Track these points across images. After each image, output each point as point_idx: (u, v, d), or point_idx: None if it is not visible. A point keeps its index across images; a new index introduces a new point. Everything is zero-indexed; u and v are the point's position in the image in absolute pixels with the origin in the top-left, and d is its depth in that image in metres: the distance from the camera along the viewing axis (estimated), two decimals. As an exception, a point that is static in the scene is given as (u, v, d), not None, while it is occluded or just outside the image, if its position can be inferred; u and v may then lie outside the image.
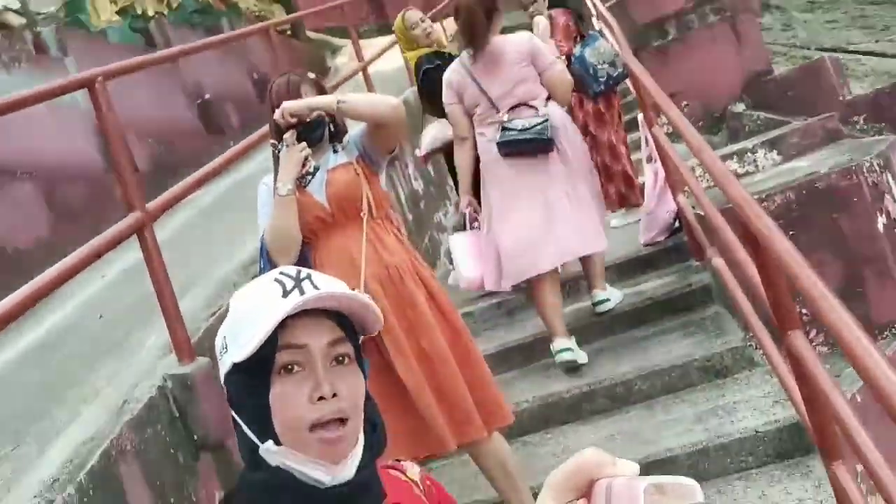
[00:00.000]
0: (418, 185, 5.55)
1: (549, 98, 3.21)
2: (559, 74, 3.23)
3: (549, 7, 4.69)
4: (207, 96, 8.22)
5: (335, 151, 2.35)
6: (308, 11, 9.81)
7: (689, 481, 0.45)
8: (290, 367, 0.80)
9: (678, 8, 8.04)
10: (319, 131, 2.31)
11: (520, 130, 3.07)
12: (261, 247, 2.36)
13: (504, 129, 3.10)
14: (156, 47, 8.18)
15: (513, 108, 3.14)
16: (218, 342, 0.85)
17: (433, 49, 4.04)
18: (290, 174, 2.24)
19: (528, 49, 3.19)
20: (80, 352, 2.80)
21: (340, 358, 0.82)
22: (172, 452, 2.12)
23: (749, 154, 4.42)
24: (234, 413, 0.84)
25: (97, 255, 2.19)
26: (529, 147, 3.08)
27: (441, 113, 3.52)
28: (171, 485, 2.06)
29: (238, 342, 0.81)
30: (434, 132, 3.92)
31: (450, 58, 3.60)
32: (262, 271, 2.29)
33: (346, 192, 2.29)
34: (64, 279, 2.04)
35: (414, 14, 4.14)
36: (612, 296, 3.38)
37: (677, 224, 3.85)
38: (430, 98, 3.79)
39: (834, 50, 7.57)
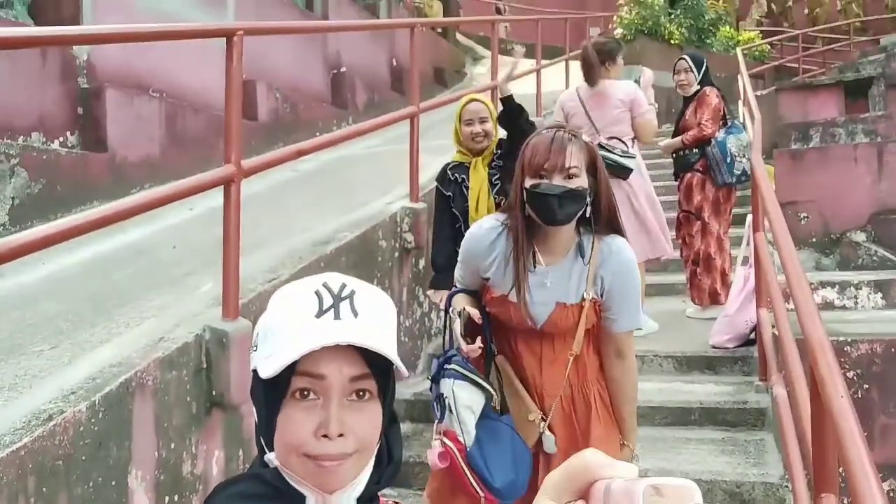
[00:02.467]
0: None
1: (634, 139, 4.17)
2: (647, 122, 4.18)
3: (701, 84, 4.59)
4: (343, 69, 8.46)
5: None
6: (457, 20, 9.94)
7: (688, 483, 0.45)
8: (305, 392, 0.78)
9: (829, 117, 7.72)
10: None
11: (612, 152, 3.94)
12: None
13: (601, 146, 3.76)
14: (312, 10, 8.50)
15: (609, 137, 4.05)
16: (254, 334, 0.84)
17: (471, 157, 3.22)
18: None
19: (630, 98, 4.13)
20: (143, 276, 2.92)
21: (361, 393, 0.79)
22: (188, 401, 2.17)
23: (852, 288, 4.19)
24: (254, 409, 0.84)
25: (181, 195, 2.28)
26: (615, 169, 3.77)
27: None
28: (176, 431, 2.12)
29: (265, 349, 0.79)
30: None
31: (462, 185, 3.19)
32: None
33: (563, 329, 1.97)
34: (143, 210, 2.13)
35: (476, 109, 3.16)
36: (645, 324, 3.30)
37: (752, 336, 3.68)
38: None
39: (982, 207, 7.06)
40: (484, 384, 1.96)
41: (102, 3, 4.98)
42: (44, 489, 1.69)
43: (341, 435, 0.77)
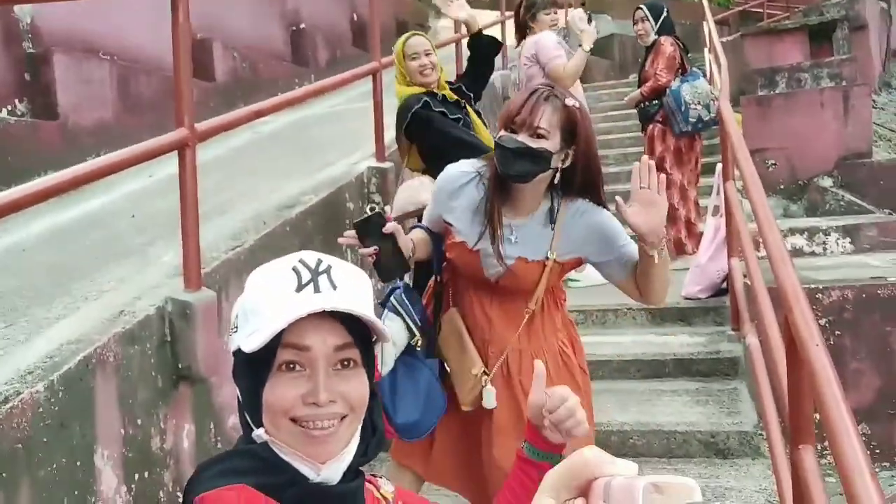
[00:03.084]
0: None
1: None
2: (554, 69, 3.96)
3: (659, 33, 4.51)
4: (302, 26, 8.22)
5: None
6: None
7: (688, 480, 0.45)
8: (291, 365, 0.79)
9: (795, 62, 7.71)
10: None
11: None
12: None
13: None
14: (267, -34, 8.19)
15: None
16: (232, 316, 0.85)
17: (427, 90, 3.10)
18: None
19: (532, 52, 4.06)
20: (101, 246, 2.81)
21: (346, 362, 0.80)
22: (153, 375, 2.10)
23: (821, 234, 4.23)
24: (237, 391, 0.84)
25: (132, 162, 2.17)
26: None
27: (424, 166, 3.02)
28: (142, 407, 2.05)
29: (246, 328, 0.81)
30: (408, 194, 3.01)
31: (444, 100, 3.02)
32: None
33: (522, 285, 1.98)
34: (92, 178, 2.02)
35: (418, 42, 3.16)
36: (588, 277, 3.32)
37: (724, 285, 3.69)
38: (416, 146, 3.08)
39: (944, 148, 7.16)
40: (409, 324, 1.96)
41: (43, -39, 4.72)
42: (3, 474, 1.62)
43: (332, 402, 0.78)
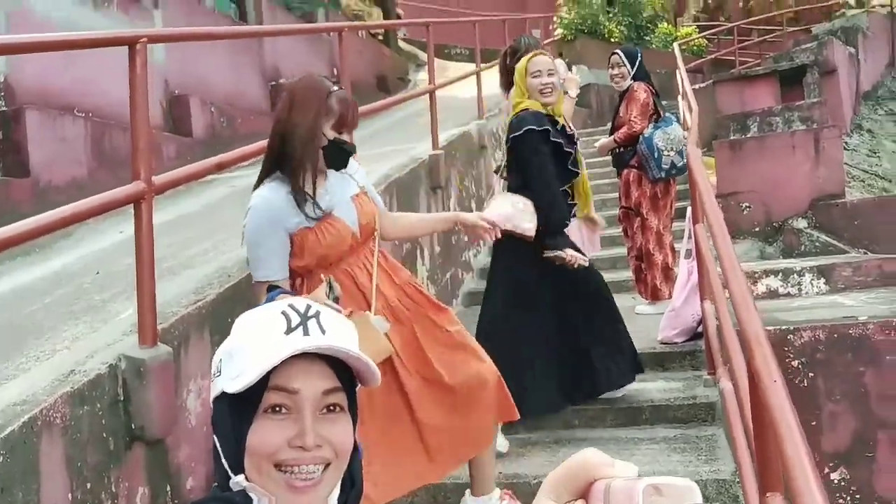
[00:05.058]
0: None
1: None
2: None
3: (634, 79, 4.57)
4: (282, 80, 8.31)
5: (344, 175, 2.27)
6: (389, 23, 9.85)
7: (688, 482, 0.45)
8: (277, 408, 0.78)
9: (766, 107, 7.85)
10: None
11: None
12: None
13: None
14: (245, 21, 8.33)
15: None
16: (215, 361, 0.84)
17: (545, 111, 3.11)
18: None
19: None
20: (61, 304, 2.75)
21: (332, 407, 0.80)
22: (104, 437, 2.03)
23: (795, 275, 4.21)
24: (214, 436, 0.82)
25: (88, 215, 2.14)
26: None
27: (521, 188, 3.00)
28: (92, 470, 1.97)
29: (231, 371, 0.80)
30: (509, 212, 2.83)
31: (562, 131, 3.05)
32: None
33: (370, 220, 2.28)
34: (51, 229, 1.99)
35: (542, 60, 3.15)
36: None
37: (699, 329, 3.66)
38: (517, 166, 3.08)
39: (916, 189, 7.26)
40: None
41: (17, 19, 4.77)
42: (-65, 547, 1.54)
43: (318, 446, 0.78)
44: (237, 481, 0.79)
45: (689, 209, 3.87)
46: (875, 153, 8.28)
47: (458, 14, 12.94)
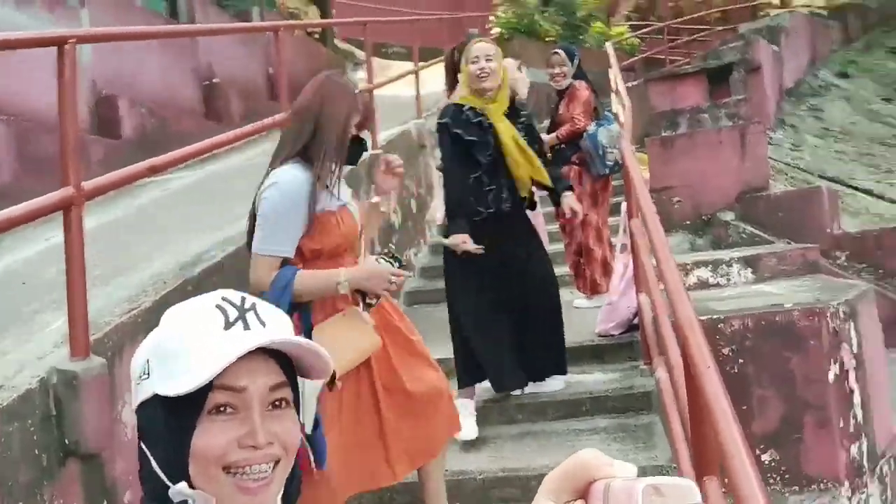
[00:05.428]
0: (395, 220, 5.46)
1: None
2: None
3: (574, 77, 4.65)
4: (216, 80, 8.14)
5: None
6: (327, 22, 9.76)
7: (687, 482, 0.45)
8: (222, 408, 0.74)
9: (695, 104, 8.09)
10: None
11: None
12: (284, 282, 2.10)
13: None
14: (177, 20, 8.12)
15: None
16: (137, 363, 0.78)
17: (482, 98, 3.10)
18: (367, 284, 2.11)
19: None
20: (-14, 316, 2.64)
21: (278, 402, 0.77)
22: (36, 454, 1.96)
23: (724, 266, 4.36)
24: (143, 446, 0.76)
25: (15, 223, 2.06)
26: None
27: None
28: (24, 488, 1.90)
29: (168, 372, 0.74)
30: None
31: (467, 119, 3.07)
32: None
33: (361, 220, 2.32)
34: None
35: (482, 47, 3.12)
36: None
37: (636, 321, 3.76)
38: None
39: (835, 180, 7.62)
40: None
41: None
42: None
43: (269, 443, 0.75)
44: (179, 490, 0.73)
45: (623, 204, 3.97)
46: (797, 147, 8.64)
47: (395, 13, 12.92)
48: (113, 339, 2.29)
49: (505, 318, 3.03)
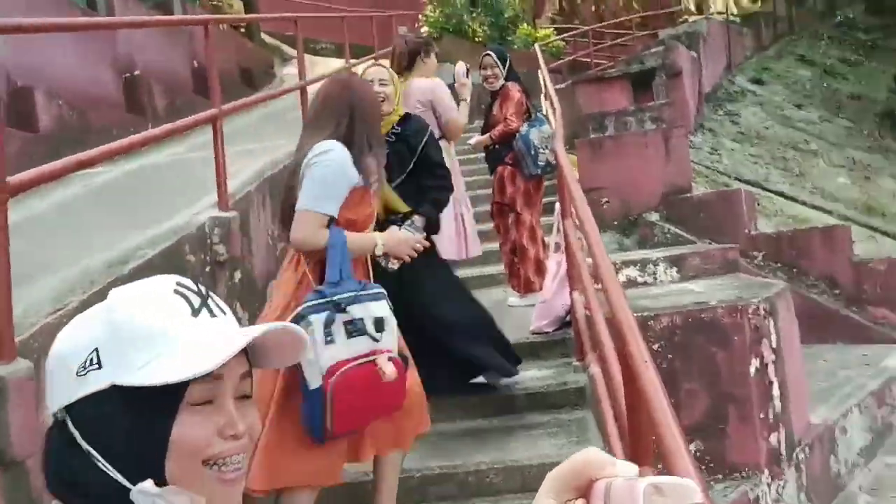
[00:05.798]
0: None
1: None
2: (450, 121, 3.97)
3: (506, 79, 4.71)
4: (137, 72, 7.86)
5: None
6: (259, 17, 9.59)
7: (689, 482, 0.45)
8: (202, 401, 0.71)
9: (621, 107, 8.34)
10: None
11: None
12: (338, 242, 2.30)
13: None
14: (95, 10, 7.80)
15: None
16: (72, 352, 0.70)
17: None
18: (396, 249, 2.42)
19: (427, 98, 3.93)
20: None
21: (245, 393, 0.75)
22: (-44, 461, 1.86)
23: (651, 265, 4.52)
24: (88, 447, 0.68)
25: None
26: None
27: None
28: (-57, 498, 1.80)
29: (130, 361, 0.68)
30: None
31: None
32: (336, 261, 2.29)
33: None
34: None
35: (376, 71, 3.16)
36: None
37: (568, 318, 3.85)
38: None
39: (751, 183, 7.99)
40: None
41: None
42: None
43: (244, 433, 0.73)
44: (144, 489, 0.67)
45: (557, 204, 4.06)
46: (716, 151, 9.01)
47: (323, 10, 12.77)
48: (39, 341, 2.19)
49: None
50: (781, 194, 8.15)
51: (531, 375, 3.54)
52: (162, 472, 0.69)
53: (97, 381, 0.69)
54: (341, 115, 2.38)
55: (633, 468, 0.48)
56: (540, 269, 4.54)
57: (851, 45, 13.35)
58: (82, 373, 0.69)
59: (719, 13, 13.20)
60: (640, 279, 4.42)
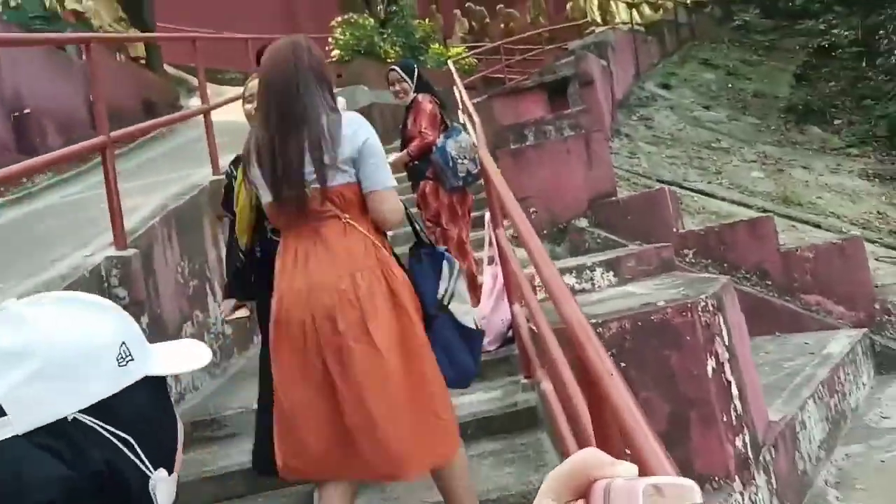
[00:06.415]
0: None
1: None
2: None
3: (416, 91, 4.51)
4: (27, 111, 7.32)
5: None
6: (154, 36, 9.15)
7: (688, 482, 0.45)
8: None
9: (538, 117, 8.29)
10: None
11: None
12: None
13: None
14: (-28, 45, 7.22)
15: None
16: (108, 346, 0.71)
17: None
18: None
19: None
20: None
21: None
22: None
23: (588, 271, 4.37)
24: (122, 434, 0.70)
25: None
26: None
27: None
28: None
29: (147, 352, 0.74)
30: None
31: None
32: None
33: None
34: None
35: (255, 85, 2.64)
36: None
37: (510, 334, 3.65)
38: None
39: (671, 183, 8.06)
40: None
41: None
42: None
43: None
44: (161, 477, 0.72)
45: (487, 215, 3.86)
46: (634, 155, 9.09)
47: (226, 36, 12.37)
48: None
49: None
50: (701, 192, 8.26)
51: (478, 399, 3.30)
52: (173, 459, 0.74)
53: (136, 372, 0.72)
54: (327, 81, 2.17)
55: (633, 468, 0.47)
56: (473, 286, 4.32)
57: (751, 46, 13.88)
58: (123, 364, 0.71)
59: (624, 23, 13.49)
60: (577, 286, 4.26)
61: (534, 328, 2.85)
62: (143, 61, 11.55)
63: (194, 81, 12.55)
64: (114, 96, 9.66)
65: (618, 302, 3.33)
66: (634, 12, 13.53)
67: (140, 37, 9.62)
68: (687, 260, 5.81)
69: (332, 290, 1.99)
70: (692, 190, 8.16)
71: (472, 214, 4.73)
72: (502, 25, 17.08)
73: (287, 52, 2.14)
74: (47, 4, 9.82)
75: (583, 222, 6.30)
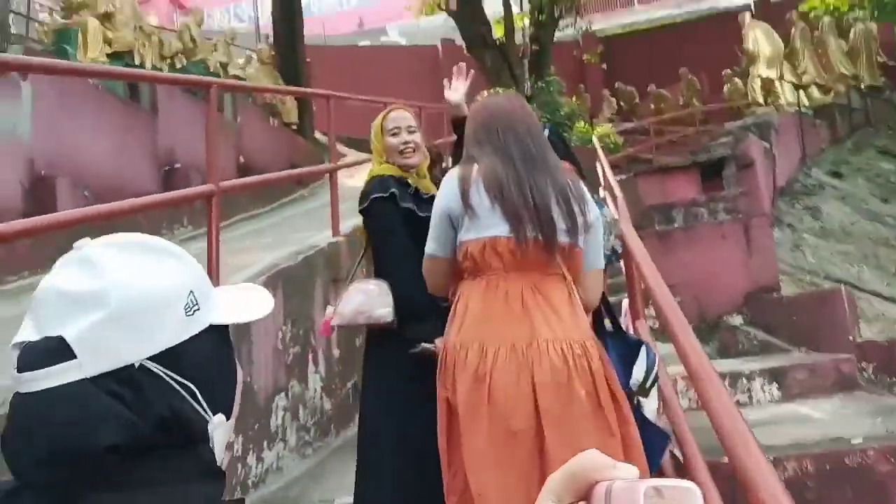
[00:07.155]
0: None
1: None
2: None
3: (563, 159, 4.09)
4: (177, 165, 7.62)
5: None
6: (289, 90, 9.31)
7: (689, 484, 0.45)
8: None
9: (689, 198, 7.61)
10: None
11: None
12: None
13: None
14: (139, 102, 7.66)
15: None
16: (178, 294, 0.72)
17: (404, 174, 2.50)
18: None
19: None
20: None
21: None
22: None
23: (744, 380, 3.67)
24: (186, 382, 0.71)
25: None
26: None
27: (379, 269, 2.42)
28: None
29: (213, 301, 0.76)
30: (362, 299, 2.34)
31: (416, 194, 2.41)
32: None
33: None
34: None
35: (401, 116, 2.56)
36: None
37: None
38: (373, 243, 2.48)
39: (844, 283, 7.04)
40: None
41: None
42: None
43: None
44: (219, 421, 0.74)
45: (624, 302, 3.31)
46: (798, 247, 8.12)
47: (382, 105, 12.65)
48: None
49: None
50: (879, 295, 7.16)
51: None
52: (231, 405, 0.77)
53: (201, 322, 0.74)
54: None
55: (633, 470, 0.47)
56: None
57: (936, 135, 12.43)
58: (190, 313, 0.73)
59: (790, 104, 12.53)
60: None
61: (678, 454, 2.24)
62: (294, 127, 12.00)
63: (342, 149, 12.92)
64: (263, 158, 10.01)
65: (790, 429, 2.64)
66: (802, 94, 12.52)
67: (270, 88, 9.98)
68: (866, 376, 4.87)
69: (566, 352, 1.75)
70: (868, 292, 7.09)
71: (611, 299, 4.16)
72: (652, 106, 16.53)
73: (510, 97, 2.09)
74: (212, 68, 10.44)
75: (737, 319, 5.51)
